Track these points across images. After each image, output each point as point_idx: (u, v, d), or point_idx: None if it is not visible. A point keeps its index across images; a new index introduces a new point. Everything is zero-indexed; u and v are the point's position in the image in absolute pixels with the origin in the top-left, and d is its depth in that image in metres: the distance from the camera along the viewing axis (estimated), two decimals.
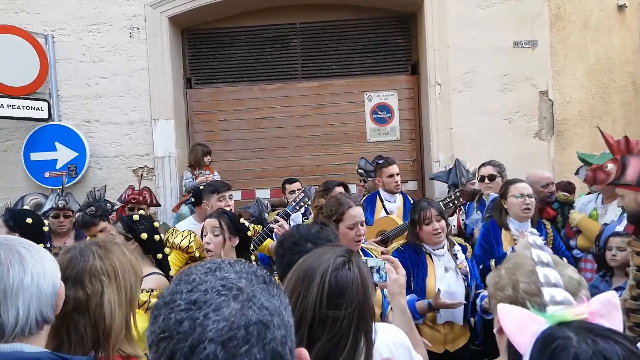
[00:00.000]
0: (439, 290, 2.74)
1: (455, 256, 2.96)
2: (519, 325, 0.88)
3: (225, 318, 0.71)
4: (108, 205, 4.32)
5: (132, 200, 4.38)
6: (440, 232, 2.90)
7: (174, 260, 3.20)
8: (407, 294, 2.73)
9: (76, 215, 3.99)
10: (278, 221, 3.36)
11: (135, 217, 2.56)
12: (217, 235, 2.69)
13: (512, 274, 1.35)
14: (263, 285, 0.78)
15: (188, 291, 0.74)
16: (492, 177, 4.03)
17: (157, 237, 2.55)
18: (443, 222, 2.93)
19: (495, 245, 3.30)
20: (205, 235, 2.75)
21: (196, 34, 6.00)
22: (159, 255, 2.54)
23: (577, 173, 4.35)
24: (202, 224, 3.76)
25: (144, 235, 2.46)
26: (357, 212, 2.64)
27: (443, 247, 2.96)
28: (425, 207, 2.93)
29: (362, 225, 2.64)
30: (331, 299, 1.28)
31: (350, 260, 1.36)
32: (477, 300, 2.95)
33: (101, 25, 5.47)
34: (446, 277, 2.88)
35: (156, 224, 2.66)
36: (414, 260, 2.90)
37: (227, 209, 3.52)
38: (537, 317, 0.88)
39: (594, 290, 3.18)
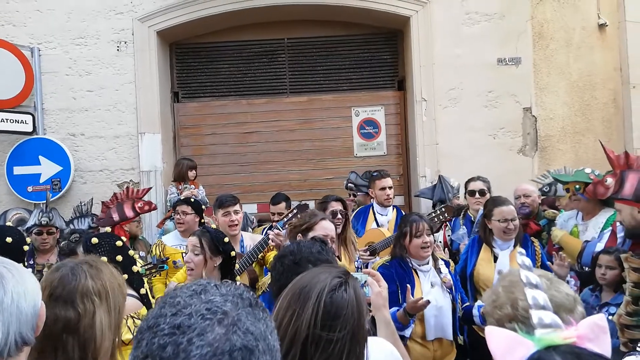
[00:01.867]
0: (418, 298, 2.71)
1: (439, 270, 2.98)
2: (506, 349, 0.87)
3: (209, 343, 0.70)
4: (88, 222, 4.25)
5: (154, 209, 4.32)
6: (429, 246, 2.92)
7: (184, 272, 3.23)
8: (397, 308, 2.75)
9: (61, 244, 3.92)
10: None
11: (94, 240, 2.47)
12: (197, 255, 2.66)
13: (509, 292, 1.35)
14: (249, 308, 0.77)
15: (172, 315, 0.73)
16: (482, 192, 4.09)
17: (119, 257, 2.47)
18: (432, 237, 2.96)
19: (469, 260, 3.36)
20: (187, 254, 2.72)
21: (184, 48, 6.00)
22: (124, 276, 2.49)
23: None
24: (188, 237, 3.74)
25: (104, 259, 2.40)
26: (327, 226, 2.71)
27: (428, 263, 2.97)
28: (417, 220, 2.95)
29: (332, 240, 2.65)
30: (326, 319, 1.27)
31: (346, 282, 1.35)
32: (474, 311, 2.95)
33: (88, 38, 5.46)
34: (433, 292, 2.88)
35: (119, 243, 2.57)
36: (401, 275, 2.90)
37: (232, 224, 3.48)
38: (525, 340, 0.87)
39: (584, 305, 3.20)
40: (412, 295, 2.84)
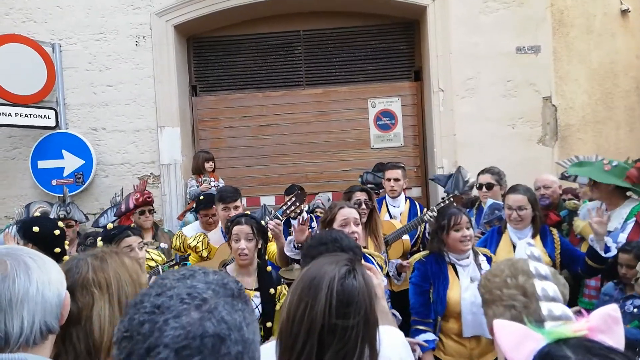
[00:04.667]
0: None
1: (479, 266, 2.86)
2: (515, 343, 0.85)
3: (182, 326, 0.73)
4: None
5: (148, 199, 4.30)
6: (469, 240, 2.82)
7: (191, 261, 3.41)
8: (428, 305, 2.77)
9: (78, 249, 4.04)
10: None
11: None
12: (251, 240, 2.77)
13: (512, 265, 1.42)
14: (229, 298, 0.79)
15: (156, 294, 0.77)
16: (489, 186, 4.00)
17: None
18: (472, 230, 2.86)
19: (490, 250, 3.29)
20: (237, 241, 2.77)
21: (201, 42, 6.05)
22: None
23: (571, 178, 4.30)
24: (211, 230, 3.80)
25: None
26: (347, 212, 2.73)
27: (468, 257, 2.87)
28: (456, 212, 2.86)
29: (355, 225, 2.68)
30: (340, 308, 1.29)
31: (354, 269, 1.37)
32: None
33: (107, 33, 5.54)
34: (471, 288, 2.75)
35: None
36: (436, 272, 2.84)
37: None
38: (534, 333, 0.84)
39: (607, 298, 3.14)
40: (446, 290, 2.79)
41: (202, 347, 0.73)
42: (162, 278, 0.81)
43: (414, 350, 2.23)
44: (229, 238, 2.84)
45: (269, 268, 2.91)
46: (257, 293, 2.76)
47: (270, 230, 3.12)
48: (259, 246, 2.85)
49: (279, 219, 3.18)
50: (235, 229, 2.80)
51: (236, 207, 3.60)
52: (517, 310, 1.36)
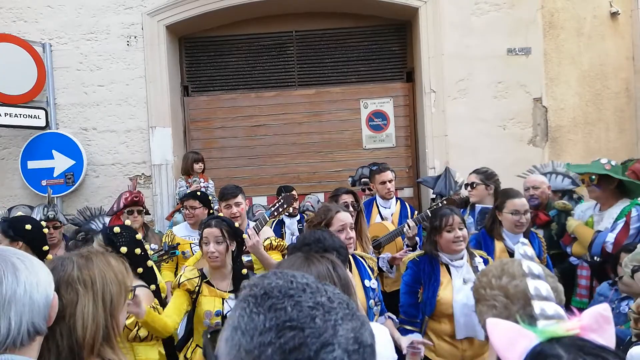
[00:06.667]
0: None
1: (476, 268, 2.80)
2: (508, 341, 0.85)
3: (352, 329, 0.73)
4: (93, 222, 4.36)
5: (135, 198, 4.26)
6: (462, 240, 2.80)
7: (198, 256, 3.39)
8: (417, 306, 2.78)
9: (69, 243, 4.05)
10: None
11: (116, 229, 2.56)
12: (220, 243, 2.75)
13: (500, 266, 1.45)
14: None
15: (311, 292, 0.76)
16: (472, 185, 3.96)
17: (137, 250, 2.57)
18: (465, 230, 2.83)
19: (488, 254, 3.21)
20: (207, 244, 2.76)
21: (193, 42, 6.04)
22: (139, 270, 2.57)
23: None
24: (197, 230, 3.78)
25: (124, 249, 2.47)
26: (344, 217, 2.69)
27: (462, 258, 2.84)
28: (447, 213, 2.83)
29: (351, 229, 2.67)
30: (346, 291, 1.38)
31: (330, 259, 1.46)
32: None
33: (99, 33, 5.51)
34: (464, 289, 2.71)
35: (139, 236, 2.68)
36: (428, 272, 2.81)
37: (234, 216, 3.41)
38: (527, 332, 0.85)
39: (602, 298, 3.15)
40: (437, 291, 2.76)
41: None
42: (292, 277, 0.78)
43: (417, 349, 2.26)
44: (200, 241, 2.82)
45: (245, 271, 2.88)
46: (232, 295, 2.75)
47: (245, 239, 3.03)
48: (232, 249, 2.81)
49: (266, 220, 3.13)
50: (205, 232, 2.79)
51: (237, 204, 3.48)
52: (498, 310, 1.38)
